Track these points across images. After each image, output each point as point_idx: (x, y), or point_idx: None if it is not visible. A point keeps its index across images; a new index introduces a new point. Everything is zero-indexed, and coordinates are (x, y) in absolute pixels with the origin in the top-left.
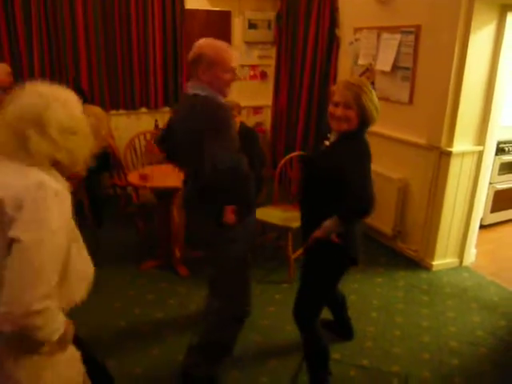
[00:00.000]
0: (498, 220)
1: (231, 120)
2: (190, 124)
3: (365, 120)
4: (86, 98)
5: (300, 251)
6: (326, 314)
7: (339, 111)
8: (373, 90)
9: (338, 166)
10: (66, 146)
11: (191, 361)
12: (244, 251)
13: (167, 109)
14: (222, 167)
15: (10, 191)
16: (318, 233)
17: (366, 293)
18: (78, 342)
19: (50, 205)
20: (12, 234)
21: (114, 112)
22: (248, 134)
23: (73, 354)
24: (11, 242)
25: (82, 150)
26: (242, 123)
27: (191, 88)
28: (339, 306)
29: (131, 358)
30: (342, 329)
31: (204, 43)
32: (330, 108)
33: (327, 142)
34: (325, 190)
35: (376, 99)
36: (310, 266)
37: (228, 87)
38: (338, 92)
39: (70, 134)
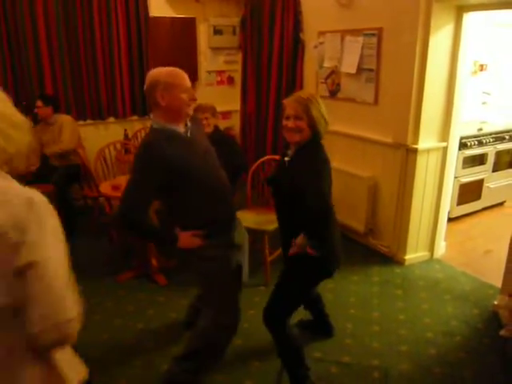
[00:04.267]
0: (464, 212)
1: (150, 160)
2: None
3: (315, 129)
4: (57, 107)
5: (276, 253)
6: (305, 314)
7: (291, 123)
8: (321, 102)
9: (296, 183)
10: (14, 138)
11: (175, 369)
12: (224, 267)
13: (135, 117)
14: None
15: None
16: (293, 250)
17: (342, 290)
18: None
19: (47, 216)
20: (26, 258)
21: (81, 122)
22: (224, 141)
23: (72, 355)
24: (25, 267)
25: (25, 145)
26: (216, 128)
27: (151, 120)
28: (315, 303)
29: (115, 371)
30: (322, 326)
31: (156, 71)
32: (284, 121)
33: (287, 158)
34: (293, 205)
35: (325, 110)
36: (287, 274)
37: (188, 107)
38: (288, 106)
39: (14, 128)
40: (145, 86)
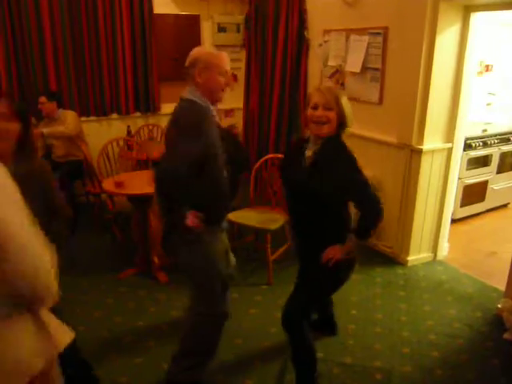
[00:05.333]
0: (468, 214)
1: (204, 127)
2: (169, 124)
3: (343, 121)
4: (61, 103)
5: (279, 252)
6: None
7: (319, 112)
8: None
9: (342, 184)
10: None
11: (175, 368)
12: (214, 254)
13: (139, 114)
14: (178, 173)
15: None
16: (338, 254)
17: (344, 291)
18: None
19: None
20: None
21: (84, 118)
22: (227, 137)
23: (59, 322)
24: None
25: None
26: (218, 125)
27: (184, 91)
28: (326, 302)
29: (116, 368)
30: (326, 325)
31: (200, 49)
32: (309, 111)
33: (309, 153)
34: (324, 206)
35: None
36: (314, 276)
37: (222, 91)
38: (316, 94)
39: None
40: (186, 62)
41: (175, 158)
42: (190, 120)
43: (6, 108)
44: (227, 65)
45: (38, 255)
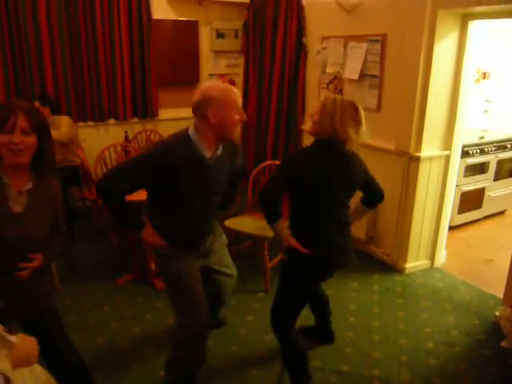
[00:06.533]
0: (465, 221)
1: (156, 161)
2: None
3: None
4: (55, 108)
5: (276, 260)
6: (307, 321)
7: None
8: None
9: (364, 172)
10: None
11: (169, 377)
12: (183, 264)
13: (136, 120)
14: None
15: None
16: (355, 218)
17: (342, 298)
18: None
19: None
20: None
21: (81, 124)
22: (226, 144)
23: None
24: None
25: None
26: None
27: (191, 124)
28: (322, 307)
29: (112, 376)
30: (323, 333)
31: (211, 85)
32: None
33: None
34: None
35: (338, 119)
36: (282, 275)
37: (237, 127)
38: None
39: None
40: (195, 98)
41: (114, 172)
42: (154, 147)
43: (25, 122)
44: (240, 101)
45: None
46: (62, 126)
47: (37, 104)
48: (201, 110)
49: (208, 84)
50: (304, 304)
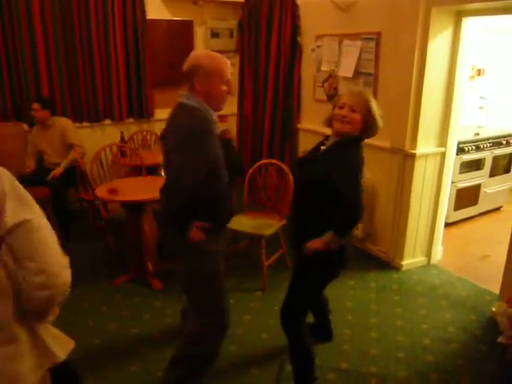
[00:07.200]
0: (461, 217)
1: (207, 136)
2: (168, 134)
3: (367, 128)
4: (55, 109)
5: (273, 258)
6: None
7: (345, 111)
8: (377, 107)
9: (327, 174)
10: None
11: (172, 375)
12: (217, 264)
13: (132, 120)
14: (182, 184)
15: None
16: (317, 245)
17: (339, 296)
18: None
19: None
20: (18, 217)
21: (77, 124)
22: (222, 143)
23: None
24: (15, 227)
25: None
26: None
27: (180, 97)
28: (322, 306)
29: (110, 376)
30: (322, 331)
31: (200, 53)
32: (336, 110)
33: (323, 147)
34: (315, 195)
35: (378, 114)
36: (303, 272)
37: (223, 100)
38: (347, 96)
39: None
40: (184, 66)
41: (178, 171)
42: (191, 128)
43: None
44: (229, 72)
45: (59, 254)
46: (71, 140)
47: (37, 106)
48: (188, 78)
49: (198, 52)
50: (315, 301)
